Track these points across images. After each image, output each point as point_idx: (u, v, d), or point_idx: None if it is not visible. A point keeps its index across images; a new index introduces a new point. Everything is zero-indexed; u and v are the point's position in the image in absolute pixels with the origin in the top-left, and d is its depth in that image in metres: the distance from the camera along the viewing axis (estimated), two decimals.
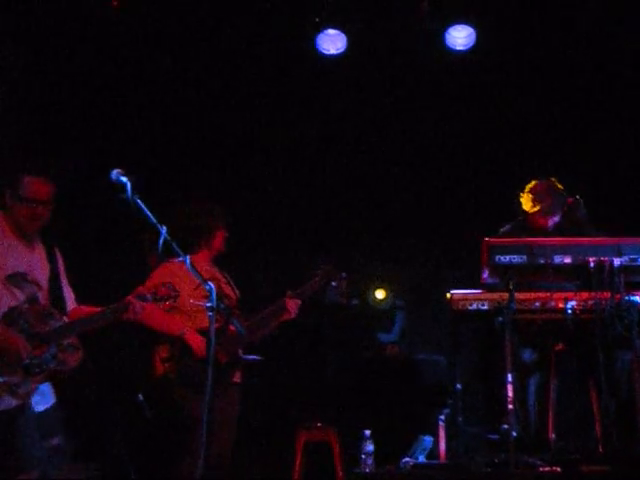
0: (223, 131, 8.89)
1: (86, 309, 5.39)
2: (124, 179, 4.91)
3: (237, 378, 6.28)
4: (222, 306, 5.20)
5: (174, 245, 5.07)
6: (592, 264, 6.16)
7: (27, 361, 5.06)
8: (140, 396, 7.28)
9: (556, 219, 7.01)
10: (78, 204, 7.95)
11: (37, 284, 5.24)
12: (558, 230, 6.98)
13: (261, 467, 7.94)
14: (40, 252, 5.35)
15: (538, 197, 7.00)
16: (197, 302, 5.82)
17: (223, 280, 6.40)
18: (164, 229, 4.98)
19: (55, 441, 5.21)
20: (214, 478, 5.88)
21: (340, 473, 7.47)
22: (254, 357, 6.37)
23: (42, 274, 5.30)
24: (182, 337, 6.04)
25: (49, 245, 5.42)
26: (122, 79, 8.64)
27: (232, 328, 5.94)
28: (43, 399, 5.20)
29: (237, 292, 6.48)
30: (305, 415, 7.87)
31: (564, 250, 6.27)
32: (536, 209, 6.98)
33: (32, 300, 5.18)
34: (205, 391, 5.04)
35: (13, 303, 5.12)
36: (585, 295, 6.30)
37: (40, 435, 5.17)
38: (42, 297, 5.26)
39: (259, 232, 8.81)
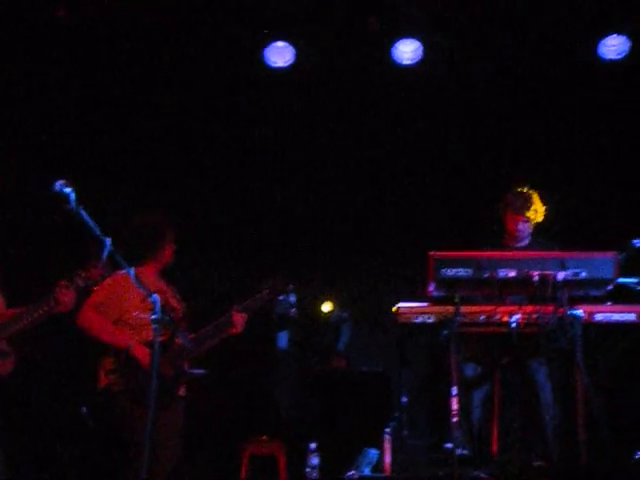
0: (169, 145, 8.85)
1: (13, 311, 5.27)
2: (68, 190, 4.87)
3: (182, 392, 6.24)
4: (167, 319, 5.18)
5: (118, 257, 5.05)
6: (536, 278, 6.20)
7: None
8: (84, 408, 7.24)
9: (527, 228, 7.13)
10: (22, 216, 7.91)
11: None
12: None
13: None
14: None
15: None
16: (142, 315, 5.79)
17: (170, 293, 6.36)
18: (108, 241, 4.95)
19: None
20: None
21: None
22: (200, 371, 6.35)
23: None
24: (128, 349, 6.00)
25: None
26: (65, 89, 8.57)
27: (178, 341, 5.92)
28: None
29: (184, 305, 6.45)
30: (251, 429, 7.86)
31: (509, 264, 6.30)
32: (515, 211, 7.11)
33: None
34: (148, 404, 5.01)
35: None
36: (529, 309, 6.33)
37: None
38: None
39: (206, 246, 8.78)
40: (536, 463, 6.50)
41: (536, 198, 7.18)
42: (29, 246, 7.95)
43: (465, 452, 6.55)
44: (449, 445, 6.21)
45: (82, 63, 8.55)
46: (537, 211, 7.17)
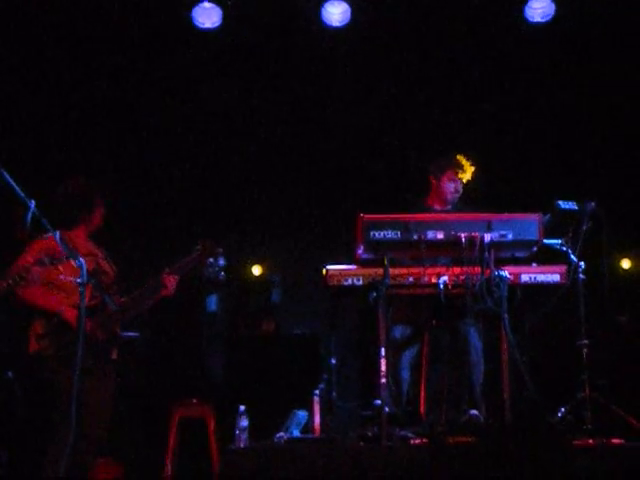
0: (98, 105, 8.77)
1: None
2: None
3: (114, 355, 6.22)
4: (93, 281, 5.15)
5: (43, 220, 5.01)
6: (463, 240, 6.25)
7: None
8: (10, 373, 7.19)
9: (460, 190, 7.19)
10: None
11: None
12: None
13: (136, 443, 7.90)
14: None
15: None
16: (68, 278, 5.74)
17: (100, 256, 6.32)
18: (32, 203, 4.91)
19: None
20: (85, 455, 5.84)
21: (215, 449, 7.47)
22: (132, 334, 6.33)
23: None
24: (60, 313, 5.96)
25: None
26: None
27: (109, 305, 5.90)
28: None
29: (115, 268, 6.42)
30: (180, 392, 7.85)
31: (437, 226, 6.33)
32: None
33: None
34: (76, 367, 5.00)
35: None
36: (457, 270, 6.39)
37: None
38: None
39: (137, 208, 8.73)
40: (463, 420, 6.58)
41: (466, 161, 7.23)
42: None
43: (394, 411, 6.61)
44: (378, 402, 6.27)
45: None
46: (469, 174, 7.22)
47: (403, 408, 6.91)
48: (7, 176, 4.83)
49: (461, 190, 7.22)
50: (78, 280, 5.03)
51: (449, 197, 7.23)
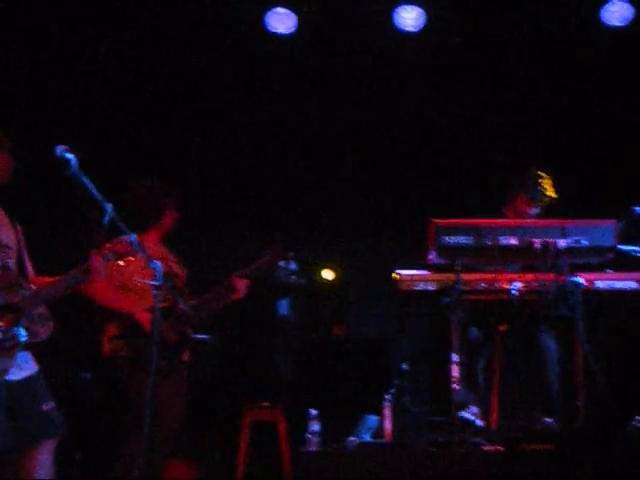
0: (173, 109, 8.82)
1: (46, 279, 5.24)
2: (69, 156, 4.88)
3: (185, 357, 6.27)
4: (168, 285, 5.20)
5: (120, 223, 5.06)
6: (537, 245, 6.21)
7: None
8: (86, 375, 7.28)
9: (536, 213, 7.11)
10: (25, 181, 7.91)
11: (9, 248, 5.15)
12: None
13: (207, 446, 7.95)
14: (5, 218, 5.24)
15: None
16: (143, 280, 5.81)
17: (172, 259, 6.39)
18: (110, 207, 4.96)
19: (46, 407, 5.14)
20: (159, 457, 5.90)
21: (286, 452, 7.48)
22: (203, 336, 6.38)
23: (10, 239, 5.19)
24: (132, 315, 6.03)
25: (8, 211, 5.29)
26: (68, 53, 8.54)
27: (180, 307, 5.95)
28: (21, 369, 5.10)
29: (186, 271, 6.48)
30: (252, 395, 7.88)
31: (510, 231, 6.30)
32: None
33: (4, 267, 5.09)
34: (150, 369, 5.05)
35: None
36: (530, 276, 6.35)
37: (33, 403, 5.10)
38: (13, 263, 5.16)
39: (208, 212, 8.78)
40: (537, 428, 6.52)
41: (549, 185, 7.11)
42: (33, 214, 7.93)
43: (470, 417, 6.57)
44: (464, 414, 6.26)
45: (82, 28, 8.51)
46: (549, 198, 7.11)
47: (476, 414, 6.87)
48: (85, 180, 4.89)
49: (537, 211, 7.10)
50: (153, 283, 5.08)
51: (523, 216, 7.11)
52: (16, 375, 5.07)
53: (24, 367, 5.14)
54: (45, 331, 5.13)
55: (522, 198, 7.11)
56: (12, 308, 5.03)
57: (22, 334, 5.04)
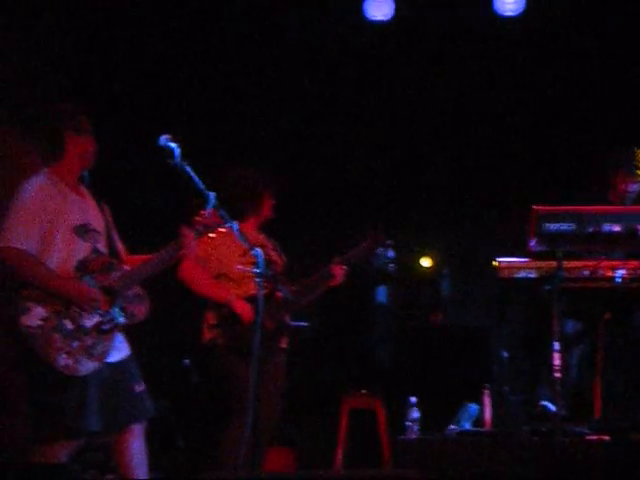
0: (273, 98, 8.85)
1: (139, 257, 5.32)
2: (173, 145, 4.93)
3: (283, 344, 6.30)
4: (269, 272, 5.22)
5: (222, 211, 5.10)
6: None
7: (98, 319, 5.07)
8: (187, 361, 7.36)
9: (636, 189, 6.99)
10: (126, 169, 8.04)
11: (98, 232, 5.22)
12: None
13: (307, 434, 7.98)
14: (91, 201, 5.31)
15: None
16: (244, 268, 5.84)
17: (270, 247, 6.41)
18: (212, 195, 5.00)
19: (138, 388, 5.22)
20: (261, 444, 5.93)
21: (385, 440, 7.49)
22: (301, 323, 6.40)
23: (98, 222, 5.26)
24: (229, 304, 6.07)
25: (95, 195, 5.37)
26: (170, 44, 8.62)
27: (279, 294, 5.97)
28: (117, 350, 5.20)
29: (284, 258, 6.50)
30: (350, 382, 7.90)
31: (614, 218, 6.17)
32: None
33: (96, 250, 5.17)
34: (251, 357, 5.07)
35: (81, 255, 5.12)
36: (634, 264, 6.25)
37: (127, 385, 5.19)
38: (103, 246, 5.24)
39: (306, 198, 8.80)
40: None
41: None
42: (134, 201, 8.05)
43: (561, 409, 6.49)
44: (545, 403, 6.19)
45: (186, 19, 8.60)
46: None
47: (573, 405, 6.78)
48: (189, 169, 4.93)
49: (637, 188, 7.00)
50: (255, 271, 5.10)
51: (625, 195, 7.02)
52: (112, 357, 5.16)
53: (120, 348, 5.22)
54: (142, 311, 5.20)
55: (620, 176, 7.00)
56: (107, 290, 5.11)
57: (119, 316, 5.11)
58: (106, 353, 5.09)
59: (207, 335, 6.18)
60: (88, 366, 5.00)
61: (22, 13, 7.44)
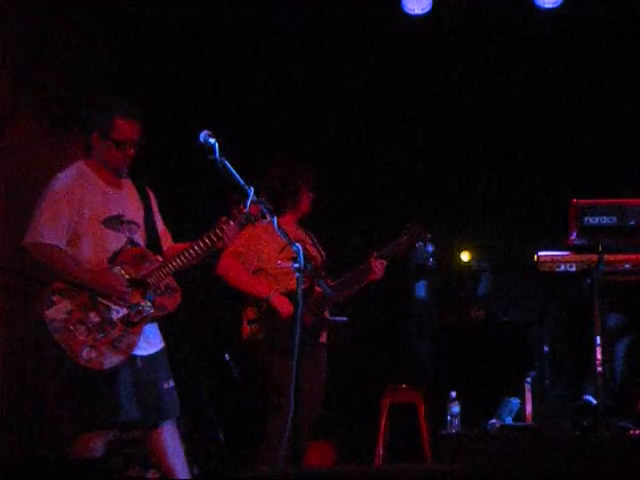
0: (311, 94, 8.85)
1: (181, 246, 5.32)
2: (212, 140, 4.93)
3: (323, 339, 6.29)
4: (309, 267, 5.21)
5: (261, 206, 5.10)
6: None
7: (126, 312, 5.09)
8: (227, 356, 7.38)
9: None
10: (168, 165, 8.08)
11: (134, 224, 5.25)
12: None
13: (347, 428, 7.99)
14: (130, 191, 5.34)
15: None
16: (284, 264, 5.85)
17: (309, 242, 6.40)
18: (252, 190, 5.00)
19: (166, 385, 5.24)
20: (301, 438, 5.93)
21: (426, 434, 7.48)
22: (341, 318, 6.38)
23: (136, 213, 5.29)
24: (268, 299, 6.08)
25: (140, 184, 5.41)
26: (215, 40, 8.65)
27: (318, 289, 5.97)
28: (149, 344, 5.23)
29: (323, 253, 6.49)
30: (390, 377, 7.89)
31: None
32: None
33: (131, 242, 5.19)
34: (291, 353, 5.07)
35: (114, 247, 5.14)
36: None
37: (156, 380, 5.21)
38: (140, 237, 5.27)
39: (346, 193, 8.80)
40: None
41: None
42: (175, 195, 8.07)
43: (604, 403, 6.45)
44: (588, 397, 6.15)
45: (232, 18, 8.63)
46: None
47: (615, 400, 6.74)
48: (228, 164, 4.94)
49: None
50: (295, 266, 5.10)
51: None
52: (143, 350, 5.18)
53: (152, 342, 5.25)
54: (172, 303, 5.21)
55: None
56: (138, 282, 5.14)
57: (148, 307, 5.12)
58: (132, 346, 5.09)
59: (247, 330, 6.18)
60: (112, 359, 5.01)
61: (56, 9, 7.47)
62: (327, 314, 6.28)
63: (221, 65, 8.71)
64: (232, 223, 5.22)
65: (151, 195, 5.44)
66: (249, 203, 5.01)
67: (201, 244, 5.22)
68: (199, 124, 4.99)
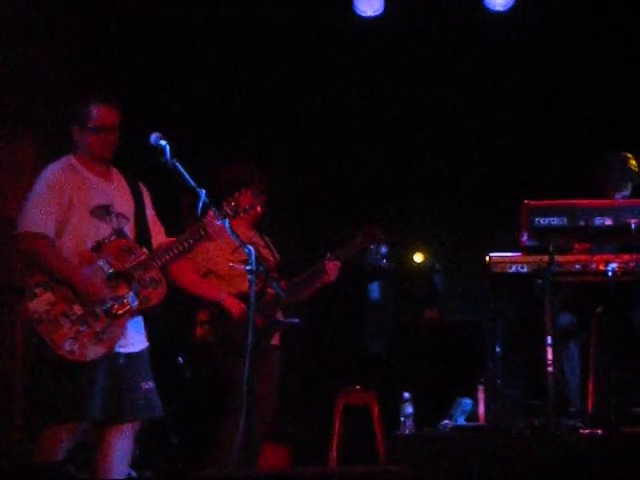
0: (264, 94, 8.83)
1: (171, 240, 5.33)
2: (163, 142, 4.94)
3: (275, 340, 6.28)
4: (261, 269, 5.21)
5: (214, 209, 5.10)
6: (633, 226, 6.10)
7: (109, 304, 5.06)
8: (180, 358, 7.35)
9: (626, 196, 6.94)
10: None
11: (123, 216, 5.23)
12: None
13: (301, 430, 7.99)
14: (121, 184, 5.33)
15: None
16: (236, 265, 5.84)
17: (261, 244, 6.40)
18: (203, 192, 5.00)
19: (145, 386, 5.21)
20: (254, 440, 5.92)
21: (379, 436, 7.48)
22: (293, 320, 6.38)
23: (126, 207, 5.27)
24: (220, 302, 6.06)
25: (131, 179, 5.39)
26: (161, 41, 8.62)
27: (270, 292, 5.96)
28: (133, 342, 5.21)
29: (276, 256, 6.48)
30: (344, 378, 7.89)
31: (605, 212, 6.19)
32: None
33: (119, 233, 5.17)
34: (243, 354, 5.06)
35: (99, 236, 5.11)
36: (626, 257, 6.25)
37: (135, 379, 5.18)
38: (129, 229, 5.24)
39: (299, 194, 8.80)
40: (636, 411, 6.43)
41: (634, 166, 6.94)
42: None
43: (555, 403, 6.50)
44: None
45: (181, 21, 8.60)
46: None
47: (568, 398, 6.79)
48: (179, 165, 4.93)
49: (627, 194, 6.94)
50: (247, 268, 5.09)
51: (614, 197, 6.97)
52: (126, 348, 5.16)
53: (136, 341, 5.23)
54: (156, 295, 5.19)
55: (609, 183, 6.95)
56: (122, 275, 5.11)
57: (132, 299, 5.10)
58: (116, 339, 5.06)
59: (199, 332, 6.17)
60: (96, 351, 4.98)
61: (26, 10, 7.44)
62: (279, 316, 6.27)
63: (173, 66, 8.67)
64: (218, 216, 5.20)
65: (144, 190, 5.43)
66: (200, 205, 5.01)
67: (190, 240, 5.23)
68: (151, 126, 4.98)
